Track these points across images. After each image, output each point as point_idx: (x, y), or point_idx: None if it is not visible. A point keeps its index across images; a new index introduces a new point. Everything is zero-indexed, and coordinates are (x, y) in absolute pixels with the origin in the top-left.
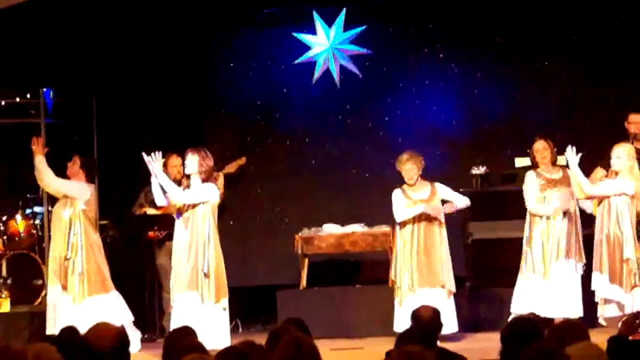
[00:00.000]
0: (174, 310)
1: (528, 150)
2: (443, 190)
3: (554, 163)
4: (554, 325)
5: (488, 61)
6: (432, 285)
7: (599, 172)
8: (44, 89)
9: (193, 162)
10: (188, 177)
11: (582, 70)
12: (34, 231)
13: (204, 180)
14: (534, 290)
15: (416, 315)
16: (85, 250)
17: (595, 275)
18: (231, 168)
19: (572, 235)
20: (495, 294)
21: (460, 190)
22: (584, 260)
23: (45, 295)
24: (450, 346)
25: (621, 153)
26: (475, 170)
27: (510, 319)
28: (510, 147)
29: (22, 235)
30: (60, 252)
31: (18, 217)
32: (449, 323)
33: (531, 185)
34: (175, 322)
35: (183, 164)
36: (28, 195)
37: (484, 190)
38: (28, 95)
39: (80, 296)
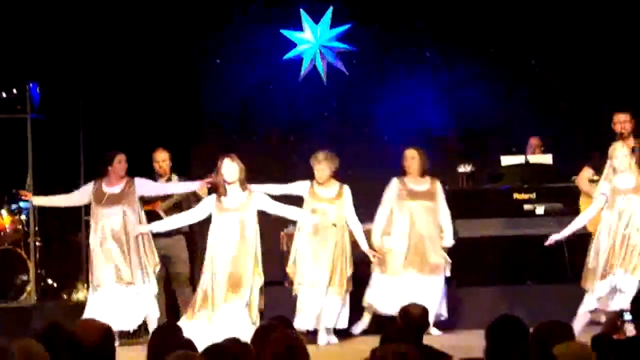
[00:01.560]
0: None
1: (514, 149)
2: (348, 195)
3: None
4: (539, 324)
5: (475, 59)
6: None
7: (587, 171)
8: (30, 84)
9: (234, 169)
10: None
11: (570, 70)
12: (20, 226)
13: (244, 189)
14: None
15: (405, 312)
16: None
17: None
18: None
19: None
20: (480, 292)
21: (446, 187)
22: None
23: (31, 291)
24: (435, 344)
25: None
26: (462, 169)
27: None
28: (497, 146)
29: (8, 230)
30: None
31: (4, 212)
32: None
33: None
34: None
35: (172, 159)
36: (14, 191)
37: (470, 188)
38: (14, 90)
39: None
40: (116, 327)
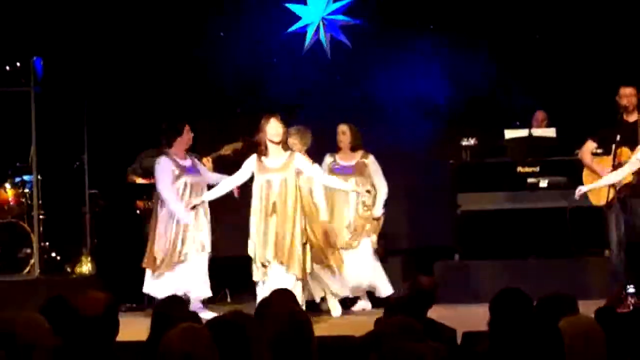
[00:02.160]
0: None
1: (517, 123)
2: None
3: None
4: (543, 297)
5: (479, 32)
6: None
7: (590, 144)
8: (34, 58)
9: (280, 129)
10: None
11: (575, 43)
12: (23, 200)
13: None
14: None
15: (417, 283)
16: None
17: None
18: (226, 151)
19: None
20: (483, 266)
21: (450, 162)
22: None
23: (35, 264)
24: (439, 316)
25: None
26: (465, 142)
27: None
28: (501, 120)
29: (11, 203)
30: None
31: (7, 185)
32: None
33: None
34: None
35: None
36: (17, 164)
37: (473, 161)
38: (18, 64)
39: None
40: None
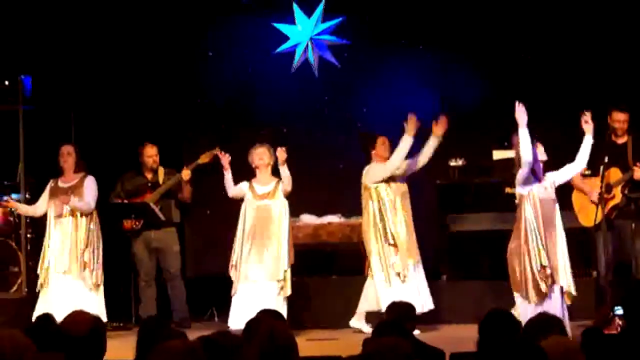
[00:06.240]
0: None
1: (506, 143)
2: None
3: None
4: (531, 319)
5: (468, 53)
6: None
7: None
8: (22, 76)
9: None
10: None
11: (563, 64)
12: (11, 218)
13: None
14: None
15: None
16: None
17: None
18: (205, 158)
19: None
20: (471, 286)
21: (438, 182)
22: None
23: (22, 282)
24: (427, 338)
25: None
26: (453, 162)
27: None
28: (489, 140)
29: None
30: None
31: None
32: None
33: None
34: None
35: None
36: (5, 182)
37: (461, 182)
38: (6, 82)
39: None
40: None
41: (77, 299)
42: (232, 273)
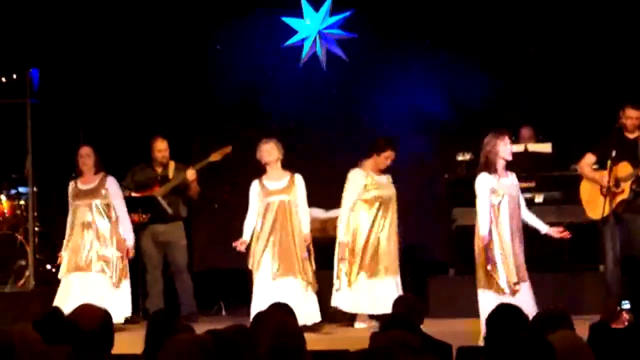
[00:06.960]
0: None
1: (514, 138)
2: None
3: None
4: (538, 313)
5: (475, 46)
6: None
7: (589, 157)
8: (31, 70)
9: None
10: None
11: (571, 58)
12: (19, 211)
13: None
14: None
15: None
16: None
17: None
18: (216, 156)
19: None
20: None
21: (446, 176)
22: None
23: (29, 275)
24: (433, 332)
25: None
26: (461, 157)
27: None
28: None
29: (7, 215)
30: None
31: (3, 197)
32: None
33: None
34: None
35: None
36: (13, 176)
37: (469, 176)
38: (14, 76)
39: None
40: None
41: (99, 295)
42: (254, 272)
